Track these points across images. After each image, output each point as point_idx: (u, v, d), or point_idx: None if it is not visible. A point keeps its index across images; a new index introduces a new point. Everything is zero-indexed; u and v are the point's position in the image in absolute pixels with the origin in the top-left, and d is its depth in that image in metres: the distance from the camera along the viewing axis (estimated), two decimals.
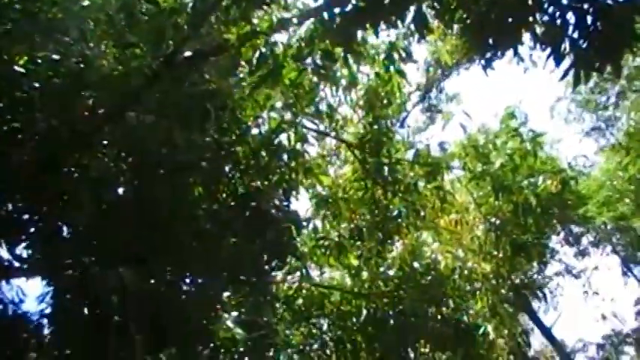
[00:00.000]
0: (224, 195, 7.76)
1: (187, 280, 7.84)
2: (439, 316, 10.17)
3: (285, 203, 8.76)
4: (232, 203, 7.66)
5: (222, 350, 8.80)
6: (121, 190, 7.88)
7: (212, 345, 8.59)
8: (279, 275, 9.83)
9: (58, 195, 7.34)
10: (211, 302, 7.82)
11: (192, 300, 7.67)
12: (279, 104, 8.95)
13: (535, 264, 11.50)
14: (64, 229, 8.00)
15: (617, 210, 12.89)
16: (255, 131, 8.66)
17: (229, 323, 8.77)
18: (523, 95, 36.79)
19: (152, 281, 7.93)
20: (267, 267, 8.21)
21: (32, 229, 7.95)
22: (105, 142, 7.70)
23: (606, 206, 12.82)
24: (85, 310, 8.25)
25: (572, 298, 36.80)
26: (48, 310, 8.08)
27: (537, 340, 16.88)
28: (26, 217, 7.95)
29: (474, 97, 40.37)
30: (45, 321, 8.09)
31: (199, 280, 7.47)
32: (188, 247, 7.08)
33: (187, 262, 7.30)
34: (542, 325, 15.59)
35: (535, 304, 13.57)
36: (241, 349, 8.85)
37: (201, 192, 7.68)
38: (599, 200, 12.83)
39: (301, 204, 19.13)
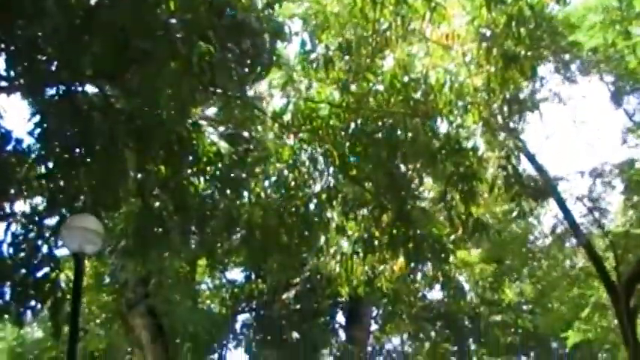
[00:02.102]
0: (198, 3, 7.45)
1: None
2: (429, 131, 10.17)
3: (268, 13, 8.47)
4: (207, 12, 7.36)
5: (208, 164, 8.93)
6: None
7: (197, 158, 8.70)
8: (265, 90, 9.76)
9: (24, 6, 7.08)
10: (185, 107, 7.77)
11: (168, 109, 7.61)
12: None
13: (526, 83, 11.27)
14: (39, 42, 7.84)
15: (607, 36, 12.36)
16: None
17: (214, 137, 8.83)
18: None
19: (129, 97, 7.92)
20: (246, 78, 8.05)
21: (5, 46, 7.81)
22: None
23: (595, 32, 12.30)
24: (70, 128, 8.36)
25: (560, 128, 37.11)
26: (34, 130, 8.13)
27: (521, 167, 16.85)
28: None
29: None
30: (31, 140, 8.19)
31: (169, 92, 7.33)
32: (160, 58, 6.91)
33: (160, 74, 7.16)
34: (527, 151, 15.58)
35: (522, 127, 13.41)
36: (227, 163, 8.97)
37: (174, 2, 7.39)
38: (589, 25, 12.28)
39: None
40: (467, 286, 22.78)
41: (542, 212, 19.66)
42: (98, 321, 19.78)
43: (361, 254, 10.41)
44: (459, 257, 18.42)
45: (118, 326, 18.74)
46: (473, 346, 24.49)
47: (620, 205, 18.30)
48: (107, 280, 17.93)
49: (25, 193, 8.33)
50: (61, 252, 9.25)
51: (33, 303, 8.51)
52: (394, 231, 10.16)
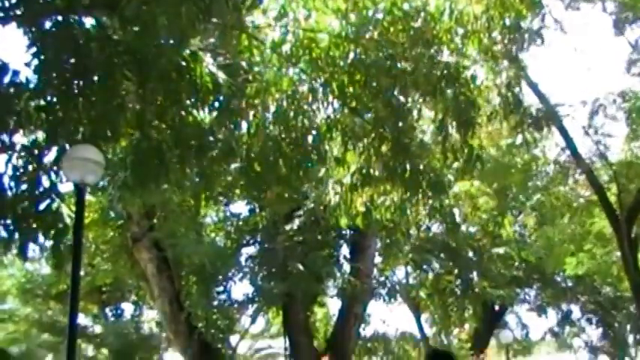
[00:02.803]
0: None
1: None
2: (429, 60, 10.07)
3: None
4: None
5: (207, 95, 8.91)
6: None
7: (195, 89, 8.67)
8: (263, 20, 9.65)
9: None
10: (184, 37, 7.72)
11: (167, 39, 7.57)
12: None
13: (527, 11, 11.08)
14: None
15: None
16: None
17: (212, 67, 8.77)
18: None
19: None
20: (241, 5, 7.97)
21: None
22: None
23: None
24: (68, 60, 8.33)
25: (562, 57, 36.75)
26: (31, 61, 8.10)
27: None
28: None
29: None
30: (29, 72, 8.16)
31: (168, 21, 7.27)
32: None
33: (159, 2, 7.11)
34: (529, 79, 15.47)
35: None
36: (226, 94, 8.94)
37: None
38: None
39: None
40: (463, 219, 22.94)
41: (546, 145, 19.68)
42: (105, 256, 20.07)
43: (359, 186, 10.47)
44: (461, 189, 18.47)
45: (123, 260, 19.01)
46: (476, 279, 24.76)
47: (624, 135, 18.27)
48: (112, 214, 18.12)
49: (24, 126, 8.35)
50: (65, 187, 9.36)
51: (35, 235, 8.63)
52: (392, 163, 10.19)
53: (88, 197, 16.87)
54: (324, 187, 11.27)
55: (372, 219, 11.37)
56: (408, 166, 10.31)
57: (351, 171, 10.69)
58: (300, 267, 15.81)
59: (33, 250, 8.70)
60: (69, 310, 9.07)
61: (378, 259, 21.21)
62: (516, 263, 24.52)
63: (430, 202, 11.48)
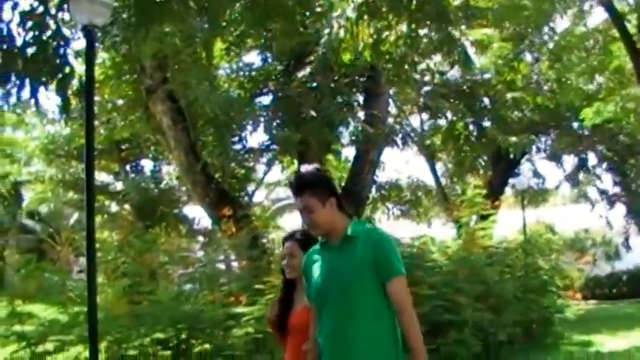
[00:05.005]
0: None
1: None
2: None
3: None
4: None
5: None
6: None
7: None
8: None
9: None
10: None
11: None
12: None
13: None
14: None
15: None
16: None
17: None
18: None
19: None
20: None
21: None
22: None
23: None
24: None
25: None
26: None
27: None
28: None
29: None
30: None
31: None
32: None
33: None
34: None
35: None
36: None
37: None
38: None
39: None
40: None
41: None
42: (121, 111, 20.22)
43: (366, 18, 10.22)
44: (476, 36, 18.14)
45: (139, 114, 19.14)
46: (490, 125, 24.67)
47: None
48: (125, 68, 18.07)
49: None
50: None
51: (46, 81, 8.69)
52: None
53: (101, 54, 16.81)
54: (328, 21, 10.99)
55: (380, 52, 11.15)
56: None
57: (356, 3, 10.40)
58: (314, 113, 15.82)
59: (52, 111, 8.82)
60: (85, 162, 9.00)
61: (393, 110, 21.22)
62: (530, 110, 24.27)
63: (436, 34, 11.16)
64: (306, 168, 4.36)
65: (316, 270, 4.25)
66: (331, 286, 4.10)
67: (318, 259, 4.28)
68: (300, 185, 4.23)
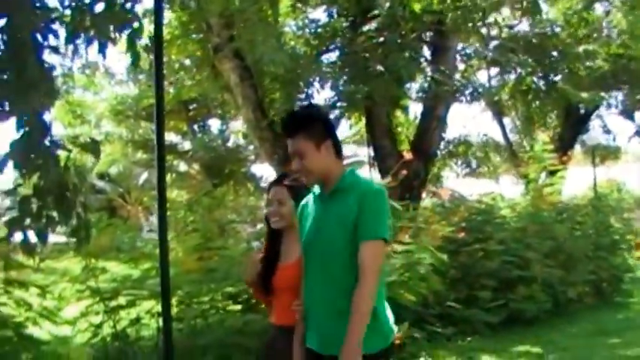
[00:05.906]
0: None
1: None
2: None
3: None
4: None
5: None
6: None
7: None
8: None
9: None
10: None
11: None
12: None
13: None
14: None
15: None
16: None
17: None
18: None
19: None
20: None
21: None
22: None
23: None
24: None
25: None
26: None
27: None
28: None
29: None
30: None
31: None
32: None
33: None
34: None
35: None
36: None
37: None
38: None
39: None
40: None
41: None
42: (189, 70, 20.47)
43: None
44: None
45: (206, 73, 19.36)
46: (559, 80, 24.05)
47: None
48: (192, 27, 18.25)
49: None
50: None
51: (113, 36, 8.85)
52: None
53: (167, 14, 17.00)
54: None
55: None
56: None
57: None
58: (381, 69, 15.73)
59: (121, 73, 8.94)
60: (155, 122, 9.13)
61: (460, 66, 20.89)
62: (602, 61, 23.49)
63: None
64: (300, 107, 4.01)
65: (306, 224, 3.89)
66: (315, 242, 3.78)
67: (311, 210, 3.90)
68: (292, 125, 3.79)
